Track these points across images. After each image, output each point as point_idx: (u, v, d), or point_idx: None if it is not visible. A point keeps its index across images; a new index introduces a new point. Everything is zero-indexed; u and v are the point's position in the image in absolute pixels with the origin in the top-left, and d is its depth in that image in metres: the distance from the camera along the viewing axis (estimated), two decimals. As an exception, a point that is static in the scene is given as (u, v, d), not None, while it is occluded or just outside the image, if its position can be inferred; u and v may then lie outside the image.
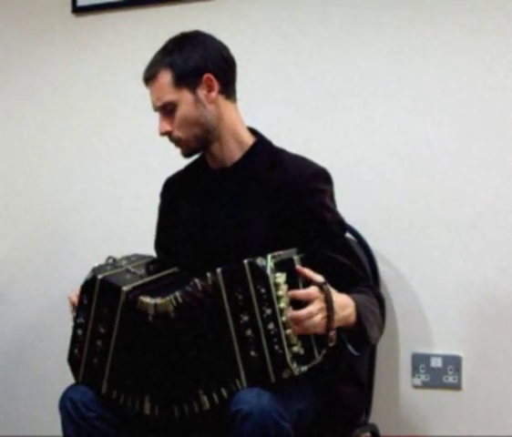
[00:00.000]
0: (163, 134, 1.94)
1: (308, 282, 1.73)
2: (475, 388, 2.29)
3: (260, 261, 1.67)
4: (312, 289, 1.70)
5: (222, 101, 1.93)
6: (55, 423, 2.78)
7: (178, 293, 1.75)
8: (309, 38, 2.48)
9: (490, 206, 2.28)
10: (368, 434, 2.17)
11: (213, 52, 1.92)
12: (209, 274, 1.72)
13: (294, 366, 1.66)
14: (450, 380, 2.31)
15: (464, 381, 2.30)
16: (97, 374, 1.82)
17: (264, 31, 2.54)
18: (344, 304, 1.77)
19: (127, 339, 1.80)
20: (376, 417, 2.22)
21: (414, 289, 2.34)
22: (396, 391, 2.36)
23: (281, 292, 1.66)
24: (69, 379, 2.76)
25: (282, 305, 1.66)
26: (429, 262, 2.33)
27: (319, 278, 1.72)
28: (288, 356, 1.65)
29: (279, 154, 1.96)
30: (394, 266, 2.36)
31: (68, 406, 1.83)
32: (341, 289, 1.80)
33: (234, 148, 1.95)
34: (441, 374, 2.31)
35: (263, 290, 1.66)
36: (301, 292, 1.70)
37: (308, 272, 1.73)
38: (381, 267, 2.32)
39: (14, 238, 2.90)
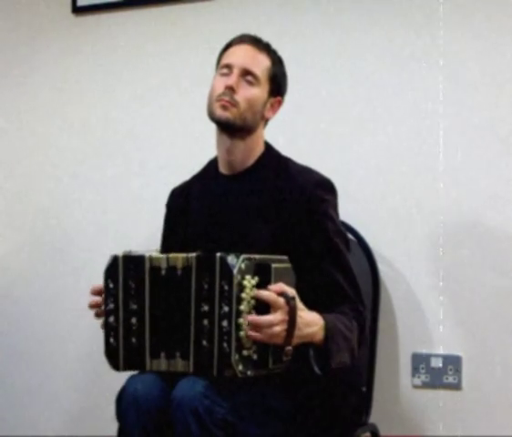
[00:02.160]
0: (230, 87, 1.95)
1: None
2: (475, 388, 2.29)
3: (231, 259, 1.69)
4: (279, 298, 1.70)
5: (263, 123, 2.04)
6: (57, 423, 2.81)
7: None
8: (309, 40, 2.49)
9: (490, 206, 2.28)
10: (368, 434, 2.17)
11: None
12: (187, 255, 1.75)
13: (239, 368, 1.68)
14: (450, 380, 2.31)
15: (464, 381, 2.30)
16: (138, 354, 1.80)
17: (265, 32, 2.53)
18: (311, 321, 1.77)
19: (156, 305, 1.80)
20: (376, 417, 2.22)
21: (414, 289, 2.34)
22: (396, 391, 2.36)
23: (243, 294, 1.68)
24: (73, 377, 2.78)
25: (242, 307, 1.67)
26: (429, 262, 2.33)
27: (289, 291, 1.72)
28: (233, 357, 1.67)
29: (286, 163, 2.03)
30: (394, 266, 2.36)
31: (138, 396, 1.79)
32: (326, 305, 1.83)
33: (250, 158, 2.01)
34: (441, 374, 2.31)
35: (226, 287, 1.68)
36: (264, 293, 1.70)
37: (279, 285, 1.72)
38: (381, 267, 2.32)
39: (15, 239, 2.90)
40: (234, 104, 1.94)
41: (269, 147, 2.06)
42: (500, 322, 2.26)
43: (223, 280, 1.68)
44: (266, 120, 2.05)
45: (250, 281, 1.69)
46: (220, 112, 1.95)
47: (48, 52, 2.84)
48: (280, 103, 2.04)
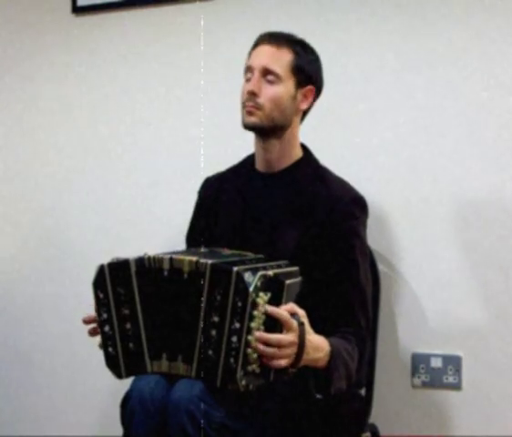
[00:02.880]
0: (252, 92, 1.96)
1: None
2: (475, 388, 2.29)
3: (247, 277, 1.67)
4: (292, 319, 1.68)
5: (299, 116, 2.04)
6: (56, 424, 2.81)
7: (199, 258, 1.75)
8: (311, 39, 2.48)
9: (490, 206, 2.28)
10: (368, 434, 2.17)
11: (322, 76, 2.07)
12: (202, 260, 1.73)
13: (243, 383, 1.67)
14: (450, 380, 2.31)
15: (464, 381, 2.30)
16: (137, 357, 1.80)
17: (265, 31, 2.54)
18: (318, 347, 1.76)
19: (151, 306, 1.80)
20: (376, 417, 2.22)
21: (414, 289, 2.34)
22: (396, 391, 2.36)
23: (256, 312, 1.67)
24: (72, 377, 2.78)
25: (253, 324, 1.66)
26: (429, 262, 2.33)
27: (299, 312, 1.71)
28: (239, 373, 1.66)
29: (323, 172, 2.04)
30: (394, 266, 2.36)
31: (144, 398, 1.79)
32: (333, 321, 1.84)
33: (287, 157, 2.02)
34: (441, 374, 2.31)
35: (240, 304, 1.67)
36: (278, 312, 1.68)
37: (291, 306, 1.71)
38: (381, 267, 2.32)
39: (16, 240, 2.89)
40: (258, 107, 1.95)
41: (308, 153, 2.07)
42: (500, 322, 2.27)
43: (237, 297, 1.67)
44: (303, 113, 2.04)
45: (263, 298, 1.68)
46: (246, 119, 1.97)
47: (48, 52, 2.83)
48: (312, 92, 2.02)
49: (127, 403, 1.82)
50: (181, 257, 1.77)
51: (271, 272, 1.71)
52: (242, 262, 1.74)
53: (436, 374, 2.32)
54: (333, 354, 1.79)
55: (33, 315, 2.85)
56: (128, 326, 1.80)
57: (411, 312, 2.35)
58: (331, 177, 2.03)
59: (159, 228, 2.63)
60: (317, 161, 2.07)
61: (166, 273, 1.77)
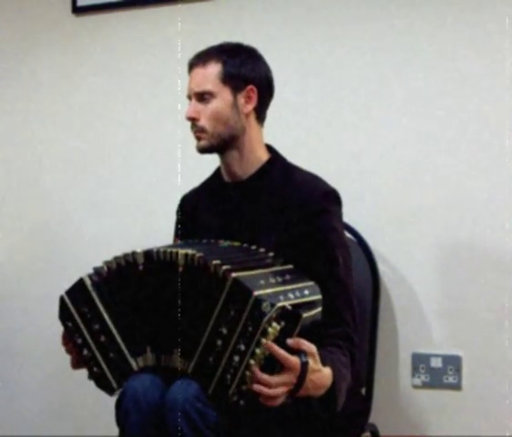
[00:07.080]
0: (190, 118, 1.97)
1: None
2: (475, 388, 2.29)
3: (265, 306, 1.64)
4: (293, 360, 1.67)
5: (252, 119, 1.99)
6: (54, 424, 2.81)
7: (197, 252, 1.76)
8: (309, 39, 2.49)
9: (489, 206, 2.28)
10: (368, 434, 2.17)
11: (263, 71, 2.01)
12: (224, 267, 1.72)
13: (234, 399, 1.68)
14: (450, 380, 2.31)
15: (464, 381, 2.30)
16: (121, 362, 1.82)
17: (265, 32, 2.54)
18: (320, 386, 1.74)
19: (125, 307, 1.82)
20: (376, 417, 2.22)
21: (414, 289, 2.34)
22: (396, 391, 2.36)
23: (264, 340, 1.66)
24: (71, 380, 2.77)
25: (258, 351, 1.66)
26: (429, 262, 2.33)
27: (307, 348, 1.69)
28: (232, 390, 1.67)
29: (292, 171, 2.01)
30: (394, 266, 2.36)
31: (138, 398, 1.79)
32: (318, 324, 1.80)
33: (251, 163, 2.00)
34: (441, 374, 2.32)
35: (250, 329, 1.66)
36: (279, 352, 1.66)
37: (298, 342, 1.69)
38: (381, 267, 2.32)
39: (15, 240, 2.90)
40: (202, 130, 1.96)
41: (274, 154, 2.04)
42: (500, 322, 2.27)
43: (249, 321, 1.66)
44: (258, 114, 1.99)
45: (275, 328, 1.66)
46: (196, 145, 1.99)
47: (48, 52, 2.84)
48: (254, 90, 1.97)
49: (121, 403, 1.82)
50: (176, 250, 1.78)
51: (289, 304, 1.67)
52: (266, 279, 1.72)
53: (436, 374, 2.32)
54: (336, 379, 1.77)
55: (31, 315, 2.85)
56: (103, 338, 1.82)
57: (411, 312, 2.35)
58: (300, 174, 1.99)
59: (160, 227, 2.63)
60: (284, 160, 2.03)
61: (141, 268, 1.80)
